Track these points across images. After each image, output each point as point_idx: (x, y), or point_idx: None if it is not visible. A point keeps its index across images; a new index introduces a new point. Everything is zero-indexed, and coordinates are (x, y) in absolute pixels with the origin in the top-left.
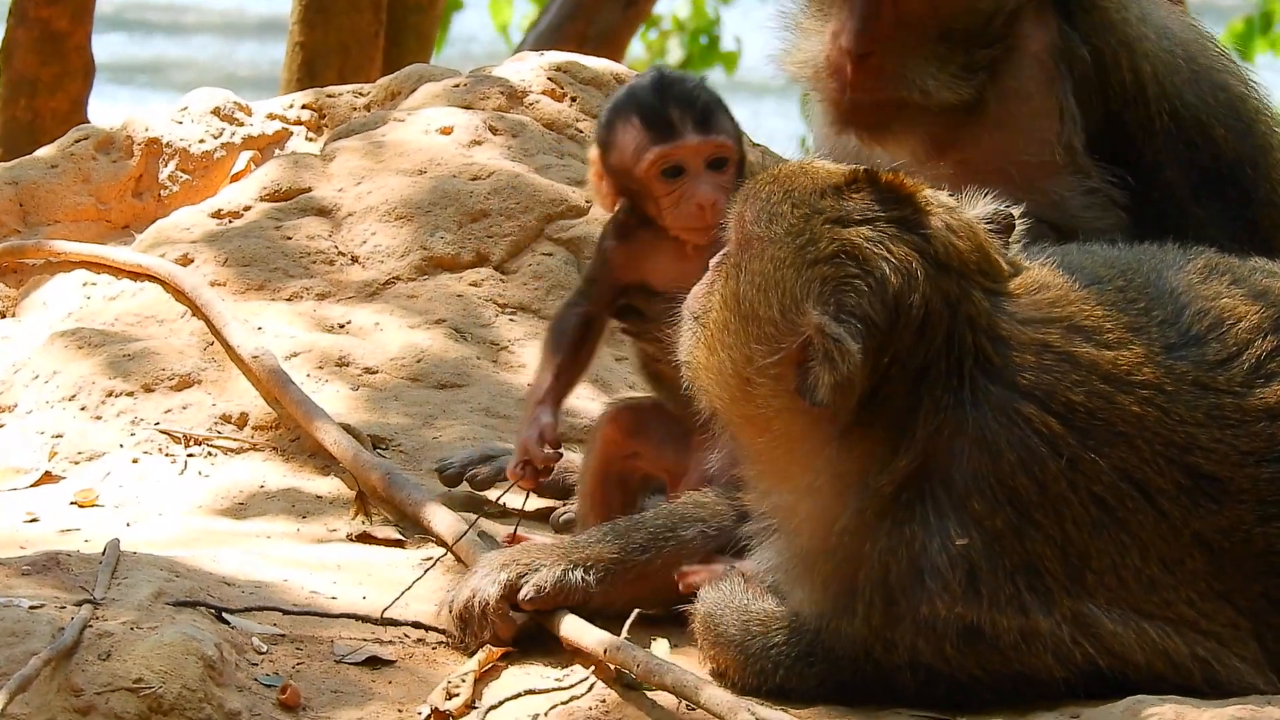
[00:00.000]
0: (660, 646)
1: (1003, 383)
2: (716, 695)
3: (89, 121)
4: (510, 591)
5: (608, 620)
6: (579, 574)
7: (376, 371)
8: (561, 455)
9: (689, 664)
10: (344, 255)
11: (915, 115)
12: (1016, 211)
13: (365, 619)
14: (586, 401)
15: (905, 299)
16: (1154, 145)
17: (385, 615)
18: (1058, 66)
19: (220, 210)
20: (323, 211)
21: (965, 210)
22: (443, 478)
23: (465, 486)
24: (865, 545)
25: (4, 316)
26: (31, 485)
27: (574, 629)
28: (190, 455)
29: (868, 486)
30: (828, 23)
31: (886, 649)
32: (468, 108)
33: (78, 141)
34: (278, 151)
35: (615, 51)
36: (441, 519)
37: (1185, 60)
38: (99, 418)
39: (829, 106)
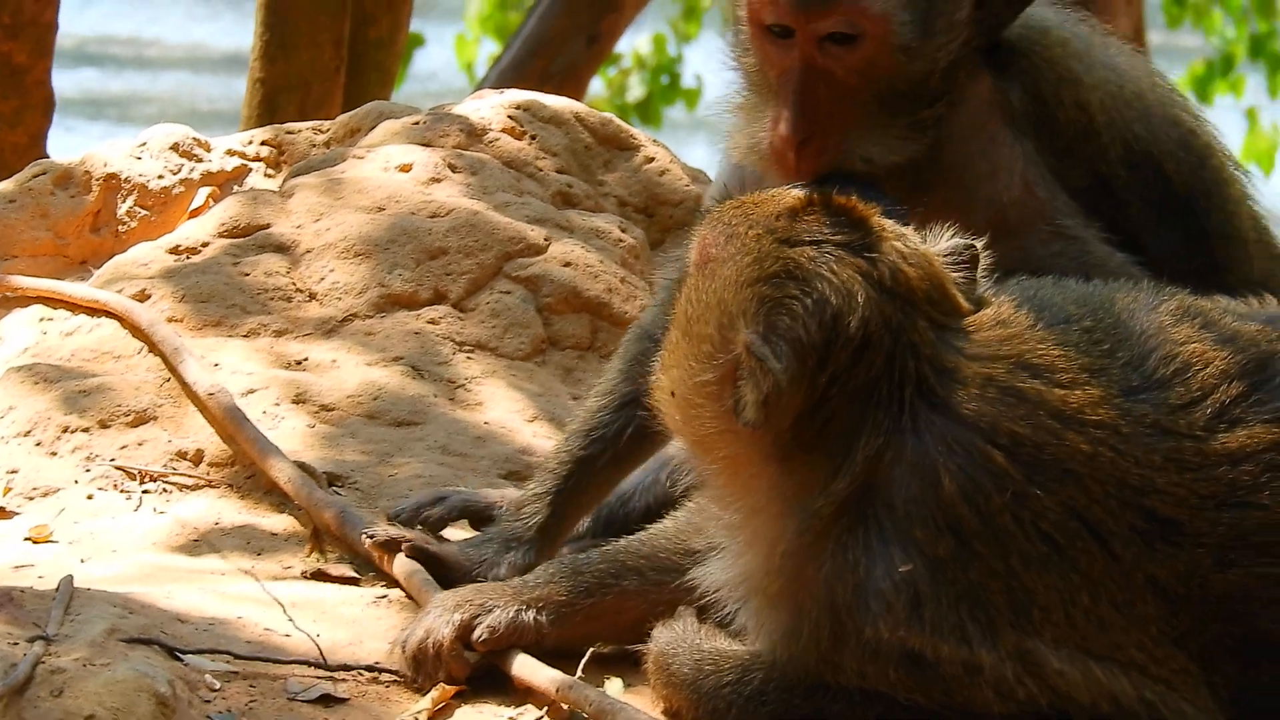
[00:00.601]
0: (614, 686)
1: (944, 412)
2: None
3: (48, 156)
4: (464, 632)
5: (564, 659)
6: (531, 614)
7: (333, 408)
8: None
9: (642, 704)
10: (302, 292)
11: (887, 187)
12: (980, 244)
13: (317, 664)
14: (543, 441)
15: (843, 320)
16: (1116, 179)
17: (338, 662)
18: (997, 114)
19: (178, 246)
20: (281, 248)
21: (923, 242)
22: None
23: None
24: (809, 568)
25: None
26: None
27: (526, 668)
28: (145, 492)
29: (809, 509)
30: (767, 108)
31: (835, 672)
32: (427, 145)
33: (36, 176)
34: (236, 188)
35: (577, 88)
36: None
37: (1134, 96)
38: (54, 453)
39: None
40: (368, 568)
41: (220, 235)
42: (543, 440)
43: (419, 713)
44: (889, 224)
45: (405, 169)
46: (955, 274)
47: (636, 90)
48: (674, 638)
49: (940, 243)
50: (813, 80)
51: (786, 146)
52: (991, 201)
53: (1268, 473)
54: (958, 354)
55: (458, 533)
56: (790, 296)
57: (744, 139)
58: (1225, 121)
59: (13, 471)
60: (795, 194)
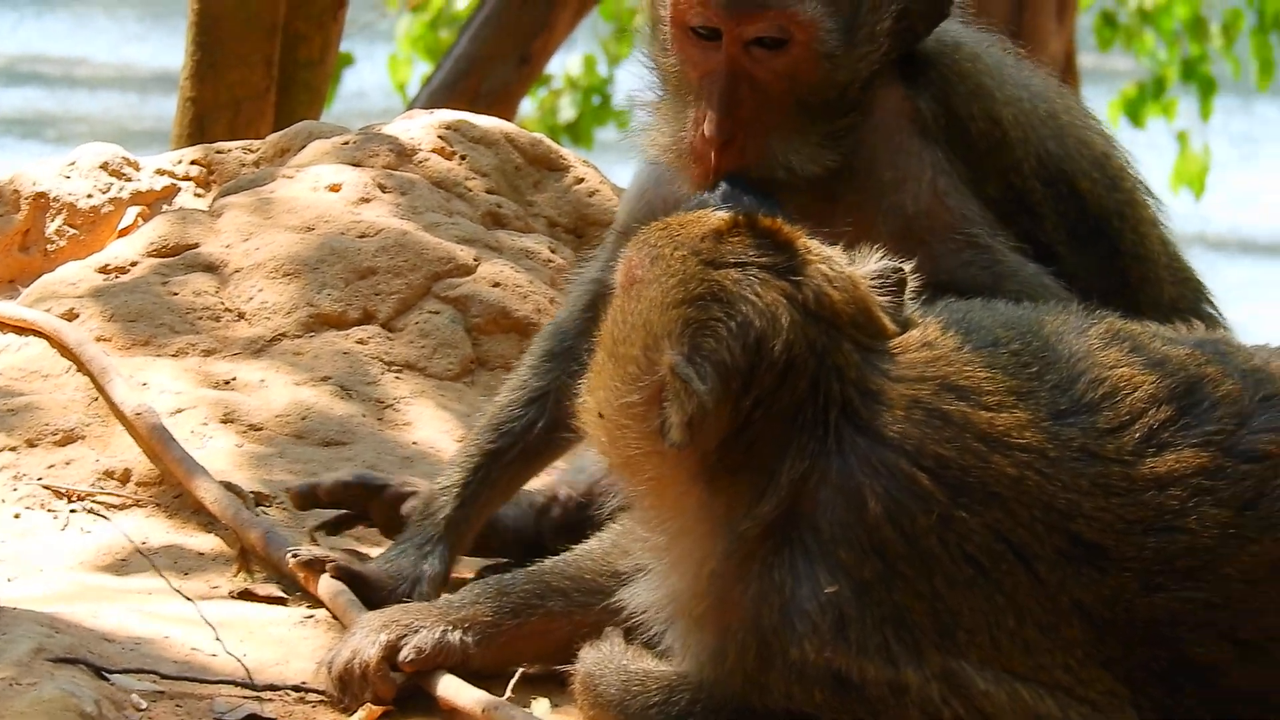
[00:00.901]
0: (541, 707)
1: (869, 435)
2: None
3: None
4: (390, 652)
5: (491, 680)
6: (458, 635)
7: (261, 428)
8: None
9: None
10: (230, 311)
11: (782, 191)
12: (908, 268)
13: (244, 684)
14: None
15: (768, 343)
16: (1031, 192)
17: (265, 682)
18: (907, 124)
19: (107, 265)
20: (210, 267)
21: (849, 264)
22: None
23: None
24: (736, 589)
25: None
26: None
27: (452, 689)
28: (73, 511)
29: (735, 531)
30: (687, 108)
31: (761, 694)
32: (357, 165)
33: None
34: (166, 207)
35: (507, 109)
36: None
37: (1047, 115)
38: None
39: (695, 189)
40: (294, 588)
41: (149, 254)
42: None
43: None
44: (815, 246)
45: (335, 189)
46: (881, 296)
47: (568, 111)
48: (601, 658)
49: (867, 265)
50: (737, 83)
51: (709, 146)
52: (899, 210)
53: (1194, 497)
54: (883, 376)
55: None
56: (714, 319)
57: (661, 138)
58: (1157, 144)
59: None
60: (721, 216)
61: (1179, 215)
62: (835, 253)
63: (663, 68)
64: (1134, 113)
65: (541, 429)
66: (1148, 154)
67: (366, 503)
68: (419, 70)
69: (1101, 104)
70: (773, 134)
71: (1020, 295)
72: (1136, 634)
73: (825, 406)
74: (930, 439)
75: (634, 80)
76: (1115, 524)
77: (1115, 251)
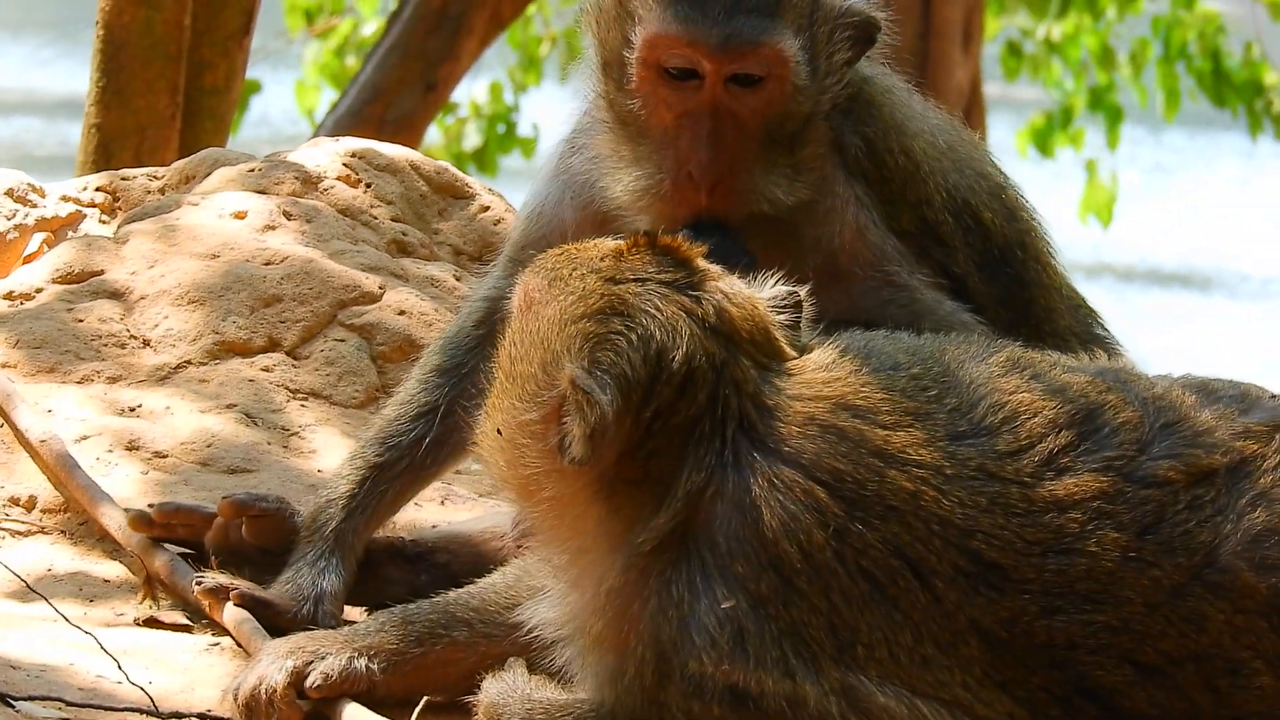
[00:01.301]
0: None
1: (765, 449)
2: None
3: None
4: (297, 679)
5: (397, 708)
6: (363, 662)
7: (166, 455)
8: None
9: None
10: (136, 339)
11: (748, 225)
12: (803, 291)
13: (149, 712)
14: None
15: (667, 355)
16: (943, 224)
17: (170, 709)
18: (835, 159)
19: (12, 292)
20: (115, 294)
21: (748, 286)
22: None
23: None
24: (634, 605)
25: None
26: None
27: (357, 718)
28: None
29: (632, 546)
30: (655, 150)
31: (661, 712)
32: (262, 192)
33: None
34: (71, 233)
35: (413, 136)
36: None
37: (948, 146)
38: None
39: (670, 228)
40: (200, 615)
41: (54, 281)
42: None
43: None
44: (713, 266)
45: (240, 216)
46: (779, 319)
47: (473, 139)
48: (504, 689)
49: (765, 288)
50: (720, 122)
51: (696, 187)
52: (822, 245)
53: (1094, 521)
54: (779, 393)
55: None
56: (614, 332)
57: (628, 181)
58: (1065, 174)
59: None
60: (624, 239)
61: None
62: (734, 276)
63: (621, 110)
64: (1042, 142)
65: (429, 443)
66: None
67: (200, 532)
68: (326, 97)
69: (1008, 134)
70: (753, 169)
71: (937, 332)
72: (1036, 656)
73: (723, 420)
74: (826, 454)
75: (559, 113)
76: (1014, 543)
77: (1019, 281)
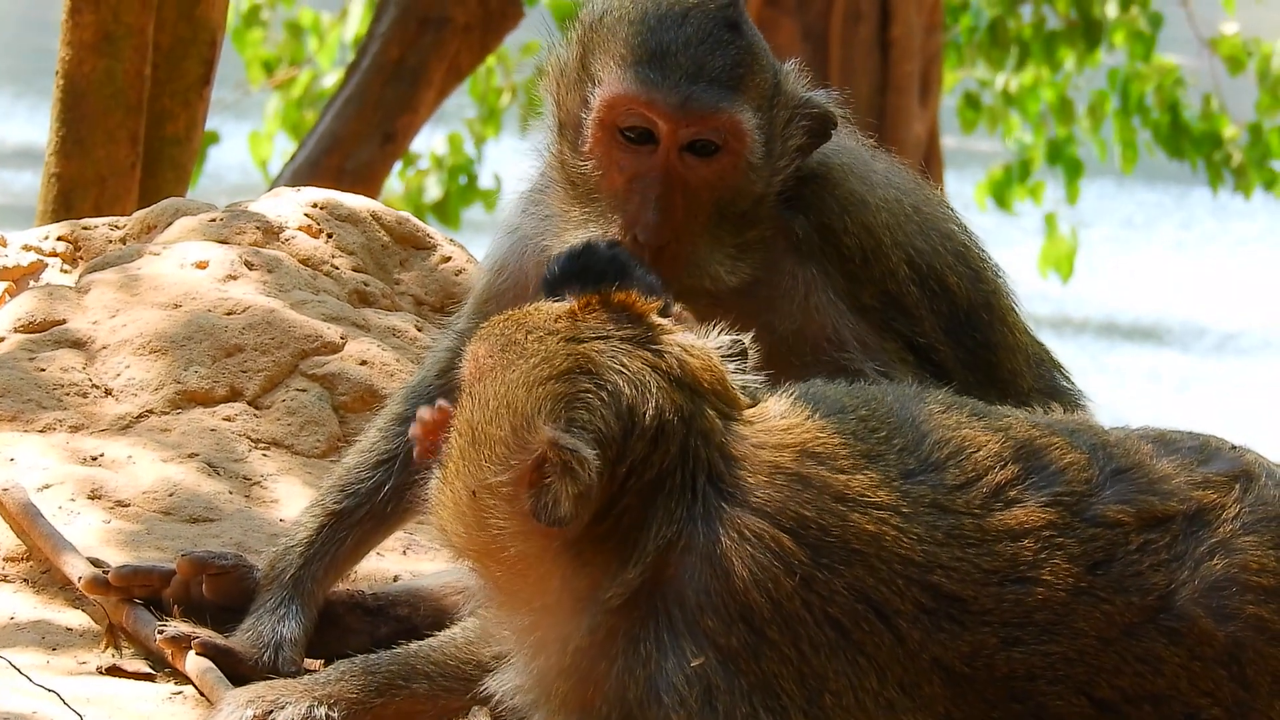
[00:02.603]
0: None
1: (734, 500)
2: None
3: None
4: None
5: None
6: (323, 711)
7: (128, 504)
8: None
9: None
10: (98, 388)
11: (696, 298)
12: (747, 339)
13: None
14: None
15: (639, 410)
16: (907, 295)
17: None
18: (785, 244)
19: None
20: (77, 344)
21: (698, 337)
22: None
23: None
24: (601, 664)
25: None
26: None
27: None
28: None
29: (599, 602)
30: (611, 214)
31: None
32: (224, 242)
33: None
34: (32, 283)
35: (372, 187)
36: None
37: (913, 209)
38: None
39: None
40: (163, 664)
41: (16, 330)
42: None
43: None
44: (666, 320)
45: (201, 266)
46: (730, 369)
47: (434, 190)
48: None
49: (714, 338)
50: (671, 188)
51: (641, 252)
52: (771, 329)
53: (1045, 549)
54: (744, 441)
55: None
56: (584, 391)
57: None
58: (1024, 227)
59: None
60: (570, 301)
61: (1047, 298)
62: (683, 328)
63: (574, 171)
64: (1001, 195)
65: (389, 491)
66: (1015, 237)
67: (158, 590)
68: (279, 147)
69: (966, 186)
70: (698, 243)
71: None
72: (997, 690)
73: (694, 472)
74: (792, 501)
75: (519, 166)
76: (972, 574)
77: (985, 345)
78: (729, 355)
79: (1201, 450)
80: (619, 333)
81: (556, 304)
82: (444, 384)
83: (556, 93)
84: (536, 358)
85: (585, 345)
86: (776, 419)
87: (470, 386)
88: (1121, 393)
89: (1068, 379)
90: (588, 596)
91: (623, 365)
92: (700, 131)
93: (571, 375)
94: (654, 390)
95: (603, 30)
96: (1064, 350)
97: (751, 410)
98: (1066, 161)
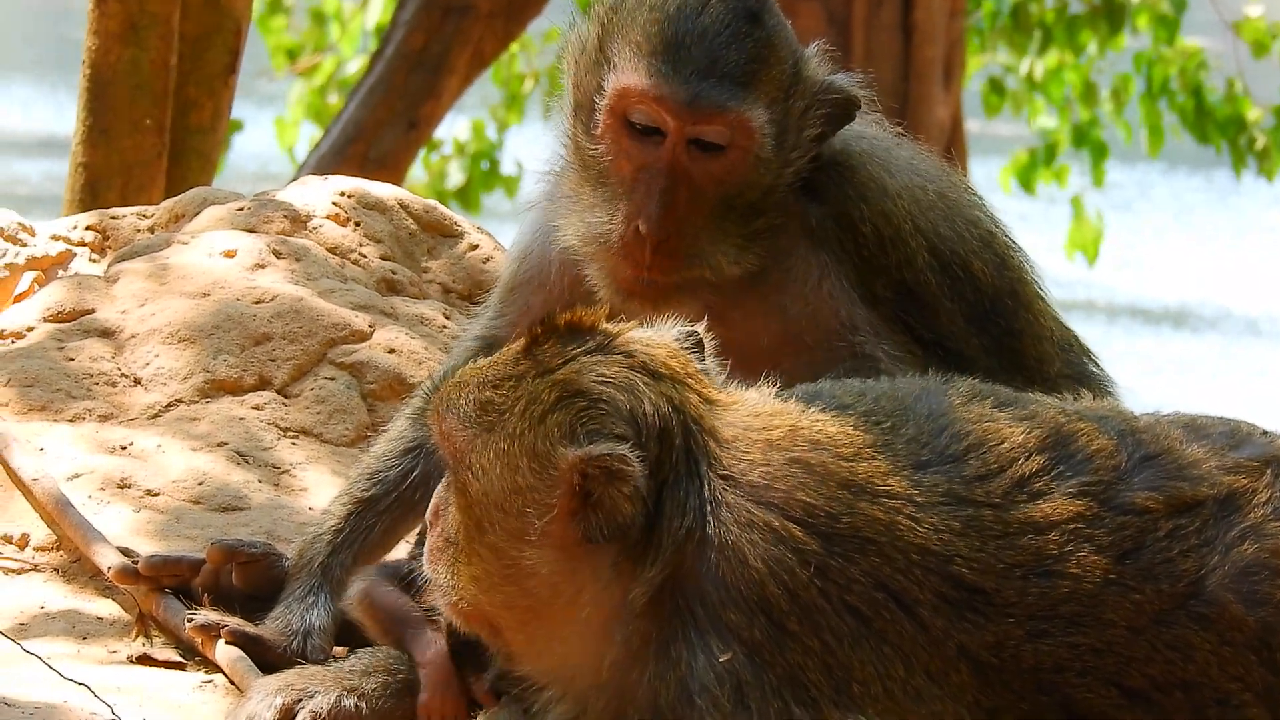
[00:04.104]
0: None
1: (736, 484)
2: None
3: None
4: (286, 716)
5: None
6: (352, 701)
7: (158, 494)
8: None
9: None
10: (127, 377)
11: (699, 287)
12: (701, 328)
13: None
14: None
15: (639, 409)
16: (924, 285)
17: None
18: (798, 230)
19: (3, 330)
20: (106, 333)
21: (651, 330)
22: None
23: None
24: (634, 673)
25: None
26: None
27: None
28: None
29: (628, 608)
30: (612, 199)
31: None
32: (251, 231)
33: None
34: (61, 272)
35: (396, 174)
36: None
37: (937, 196)
38: None
39: (614, 279)
40: (193, 652)
41: (45, 320)
42: None
43: None
44: (614, 324)
45: (230, 255)
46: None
47: (456, 176)
48: None
49: (667, 330)
50: (676, 182)
51: (643, 244)
52: (785, 313)
53: (1072, 542)
54: (732, 425)
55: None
56: (584, 409)
57: (583, 227)
58: (1050, 211)
59: None
60: (515, 343)
61: (1071, 281)
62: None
63: (586, 154)
64: (1026, 179)
65: (417, 478)
66: (1041, 221)
67: (187, 580)
68: (304, 133)
69: (990, 171)
70: (701, 233)
71: None
72: (1024, 681)
73: (695, 459)
74: (796, 487)
75: (541, 151)
76: (994, 566)
77: (1010, 331)
78: (686, 346)
79: (1232, 435)
80: (580, 349)
81: (505, 350)
82: None
83: (574, 72)
84: (521, 404)
85: (558, 372)
86: (757, 404)
87: (459, 461)
88: (1150, 378)
89: (1096, 364)
90: (619, 606)
91: (603, 375)
92: (706, 131)
93: (563, 402)
94: (642, 388)
95: (623, 12)
96: (1091, 335)
97: (728, 396)
98: (1092, 145)
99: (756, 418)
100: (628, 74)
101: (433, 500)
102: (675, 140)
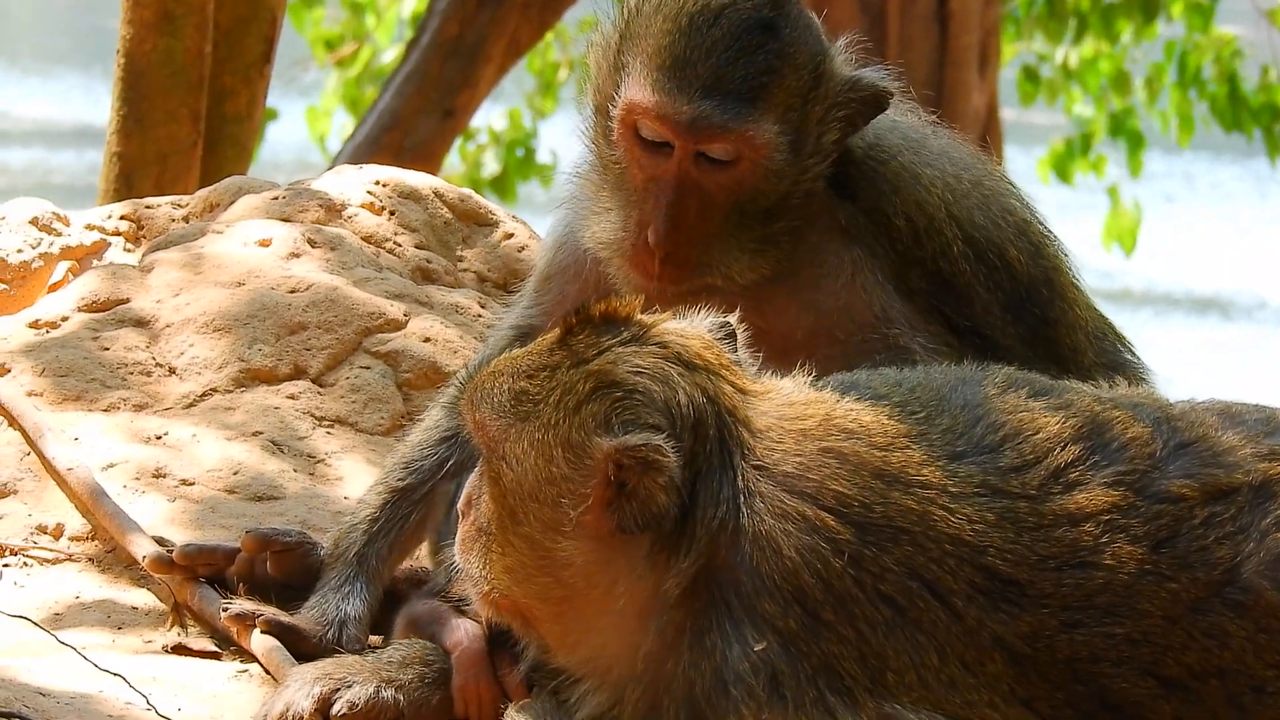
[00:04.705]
0: None
1: (769, 474)
2: None
3: None
4: (324, 705)
5: None
6: (391, 692)
7: (193, 483)
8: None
9: None
10: (161, 367)
11: (714, 293)
12: (734, 319)
13: None
14: None
15: (674, 400)
16: (959, 275)
17: None
18: (830, 224)
19: (38, 320)
20: (140, 323)
21: (684, 322)
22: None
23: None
24: (669, 664)
25: None
26: None
27: None
28: (6, 565)
29: (662, 599)
30: (627, 204)
31: None
32: (286, 220)
33: None
34: (96, 262)
35: (432, 163)
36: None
37: (972, 184)
38: None
39: (630, 282)
40: (228, 641)
41: (80, 310)
42: None
43: None
44: (648, 315)
45: (264, 244)
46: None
47: (492, 165)
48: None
49: (700, 321)
50: (685, 195)
51: (650, 257)
52: (815, 307)
53: (1108, 534)
54: (765, 415)
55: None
56: (619, 400)
57: (600, 230)
58: (1087, 200)
59: None
60: (550, 333)
61: (1109, 272)
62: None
63: (604, 157)
64: (1062, 169)
65: (453, 467)
66: (1077, 211)
67: (222, 569)
68: (337, 123)
69: (1025, 159)
70: (713, 242)
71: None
72: (1060, 671)
73: (729, 452)
74: (829, 477)
75: (568, 145)
76: (1028, 558)
77: (1045, 321)
78: (719, 337)
79: (1268, 422)
80: (615, 340)
81: (540, 341)
82: None
83: (596, 76)
84: (556, 394)
85: (593, 363)
86: (791, 393)
87: (493, 451)
88: (1187, 367)
89: (1130, 352)
90: (653, 597)
91: (638, 366)
92: (711, 149)
93: (599, 392)
94: (676, 379)
95: (640, 20)
96: (1127, 324)
97: (760, 385)
98: (1128, 134)
99: (790, 407)
100: (636, 87)
101: (465, 489)
102: (682, 155)
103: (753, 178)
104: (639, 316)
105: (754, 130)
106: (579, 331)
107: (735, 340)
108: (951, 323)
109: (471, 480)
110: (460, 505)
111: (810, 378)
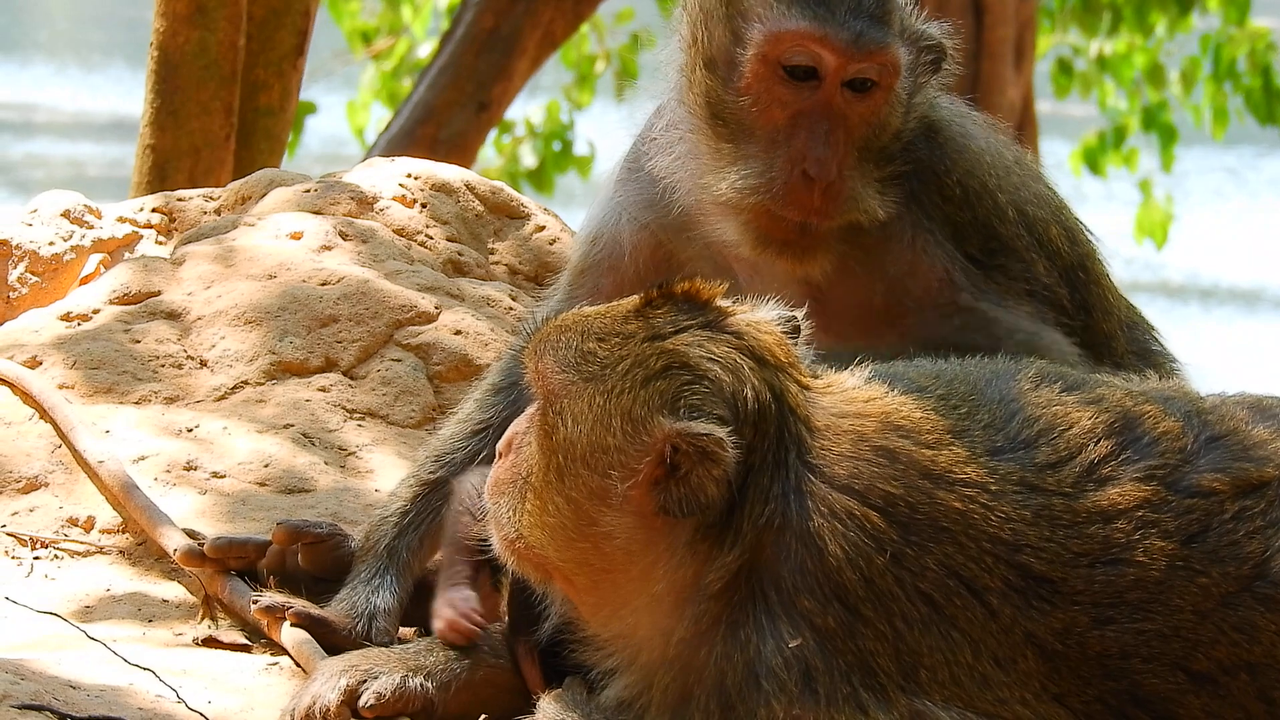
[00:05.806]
0: None
1: (821, 474)
2: None
3: None
4: (350, 697)
5: None
6: (418, 681)
7: (224, 476)
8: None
9: None
10: (193, 359)
11: (840, 235)
12: (799, 314)
13: None
14: None
15: (740, 393)
16: (1018, 239)
17: None
18: (903, 184)
19: (69, 313)
20: (172, 315)
21: (753, 313)
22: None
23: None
24: (702, 652)
25: None
26: None
27: None
28: (36, 558)
29: (702, 589)
30: (775, 150)
31: None
32: (318, 213)
33: None
34: (128, 254)
35: (467, 156)
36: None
37: (1014, 162)
38: None
39: (763, 232)
40: (259, 634)
41: (112, 302)
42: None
43: None
44: (728, 302)
45: (296, 237)
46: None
47: (529, 158)
48: (561, 710)
49: (767, 311)
50: (834, 124)
51: (810, 188)
52: (885, 272)
53: (1140, 530)
54: (825, 412)
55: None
56: (688, 383)
57: (734, 181)
58: (1119, 193)
59: None
60: (624, 300)
61: (1142, 265)
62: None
63: (725, 107)
64: (1095, 162)
65: (484, 461)
66: (1108, 204)
67: (253, 562)
68: (375, 116)
69: (1060, 151)
70: (855, 176)
71: (1021, 353)
72: (1091, 667)
73: (785, 449)
74: (879, 477)
75: (606, 137)
76: (1061, 555)
77: (1082, 306)
78: (785, 331)
79: None
80: (693, 322)
81: (615, 305)
82: None
83: (702, 28)
84: (626, 363)
85: (668, 341)
86: (852, 390)
87: (551, 404)
88: (1220, 360)
89: (1159, 341)
90: (691, 585)
91: (712, 353)
92: (865, 69)
93: (670, 372)
94: (747, 372)
95: None
96: (1159, 317)
97: (823, 382)
98: (1161, 128)
99: (850, 404)
100: (779, 19)
101: (510, 430)
102: (833, 81)
103: (884, 107)
104: (719, 302)
105: (899, 51)
106: (659, 305)
107: (798, 333)
108: (1024, 280)
109: (519, 423)
110: (500, 445)
111: (868, 371)
